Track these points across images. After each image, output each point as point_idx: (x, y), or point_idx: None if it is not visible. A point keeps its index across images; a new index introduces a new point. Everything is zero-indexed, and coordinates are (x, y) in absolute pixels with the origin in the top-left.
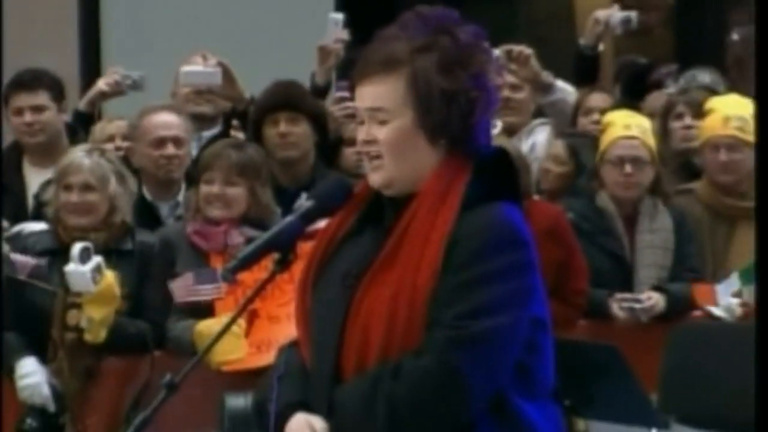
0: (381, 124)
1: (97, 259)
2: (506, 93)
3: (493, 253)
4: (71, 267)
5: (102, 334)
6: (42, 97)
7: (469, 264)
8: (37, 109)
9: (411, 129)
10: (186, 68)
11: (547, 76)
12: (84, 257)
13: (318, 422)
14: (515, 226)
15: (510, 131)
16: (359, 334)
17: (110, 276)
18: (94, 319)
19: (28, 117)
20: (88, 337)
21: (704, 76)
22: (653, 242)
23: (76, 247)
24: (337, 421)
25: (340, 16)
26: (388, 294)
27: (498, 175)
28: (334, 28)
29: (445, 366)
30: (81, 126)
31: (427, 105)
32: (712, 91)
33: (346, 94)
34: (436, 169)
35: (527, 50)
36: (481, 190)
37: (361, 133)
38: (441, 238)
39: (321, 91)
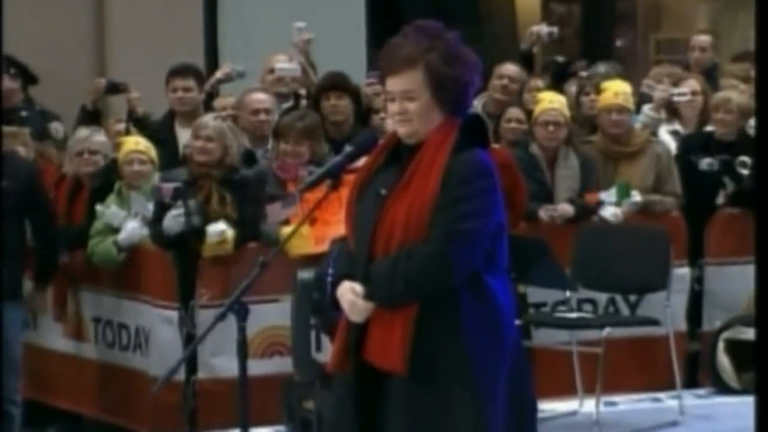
0: (410, 101)
1: (221, 227)
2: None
3: (471, 180)
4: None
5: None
6: (190, 82)
7: (456, 187)
8: (187, 89)
9: (429, 102)
10: (279, 65)
11: None
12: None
13: (358, 287)
14: (486, 163)
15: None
16: (386, 231)
17: (230, 235)
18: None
19: (180, 94)
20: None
21: (602, 67)
22: (566, 175)
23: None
24: (371, 287)
25: (302, 24)
26: (405, 206)
27: (475, 131)
28: (297, 33)
29: (441, 252)
30: (207, 101)
31: (439, 87)
32: (608, 76)
33: (374, 80)
34: (437, 126)
35: None
36: (464, 140)
37: (394, 107)
38: (439, 170)
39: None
